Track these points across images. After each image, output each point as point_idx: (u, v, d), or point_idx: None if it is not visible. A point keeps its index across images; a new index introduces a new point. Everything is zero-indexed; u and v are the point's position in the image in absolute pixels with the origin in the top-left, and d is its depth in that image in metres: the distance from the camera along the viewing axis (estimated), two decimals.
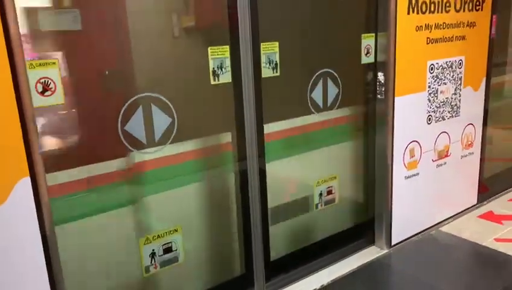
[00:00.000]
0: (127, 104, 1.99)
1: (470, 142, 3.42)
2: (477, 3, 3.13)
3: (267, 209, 2.53)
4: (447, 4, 2.93)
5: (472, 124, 3.39)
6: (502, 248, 2.96)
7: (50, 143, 1.85)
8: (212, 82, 2.21)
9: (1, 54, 1.51)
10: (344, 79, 2.76)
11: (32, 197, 1.64)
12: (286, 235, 2.80)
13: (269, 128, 2.49)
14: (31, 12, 1.71)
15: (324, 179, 2.85)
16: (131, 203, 2.14)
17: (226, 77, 2.24)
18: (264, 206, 2.51)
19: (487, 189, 3.72)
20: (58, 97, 1.74)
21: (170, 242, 2.24)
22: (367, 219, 3.08)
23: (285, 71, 2.44)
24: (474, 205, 3.60)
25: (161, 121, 2.09)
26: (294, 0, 2.54)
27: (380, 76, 2.81)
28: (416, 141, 3.00)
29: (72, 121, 1.89)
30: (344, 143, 2.99)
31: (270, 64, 2.38)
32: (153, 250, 2.19)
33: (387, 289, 2.69)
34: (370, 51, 2.81)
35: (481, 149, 3.53)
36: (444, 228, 3.28)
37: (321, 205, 2.86)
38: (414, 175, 3.03)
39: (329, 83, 2.71)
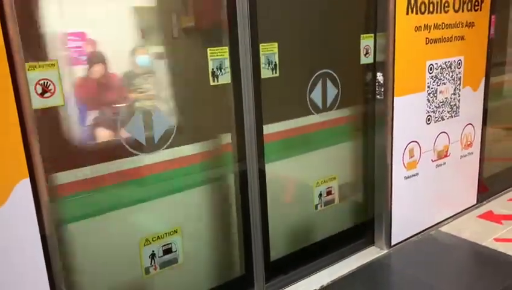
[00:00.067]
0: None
1: (469, 142, 3.42)
2: (476, 3, 3.13)
3: (266, 210, 2.53)
4: (446, 4, 2.93)
5: (471, 124, 3.39)
6: (501, 247, 2.96)
7: None
8: (212, 83, 2.21)
9: (0, 55, 1.52)
10: (343, 79, 2.76)
11: (32, 198, 1.65)
12: (286, 235, 2.80)
13: (268, 129, 2.49)
14: None
15: (324, 179, 2.85)
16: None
17: (225, 78, 2.24)
18: (264, 207, 2.51)
19: (487, 189, 3.72)
20: (57, 99, 1.74)
21: (170, 243, 2.24)
22: (367, 219, 3.08)
23: (285, 72, 2.44)
24: (474, 205, 3.60)
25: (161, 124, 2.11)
26: (293, 0, 2.54)
27: (379, 76, 2.81)
28: (416, 141, 3.00)
29: None
30: (343, 143, 3.00)
31: (269, 65, 2.38)
32: (153, 251, 2.19)
33: (387, 289, 2.69)
34: (369, 51, 2.81)
35: (480, 149, 3.54)
36: (444, 228, 3.29)
37: (321, 206, 2.86)
38: (414, 175, 3.03)
39: (329, 83, 2.71)
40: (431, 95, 3.00)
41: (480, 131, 3.49)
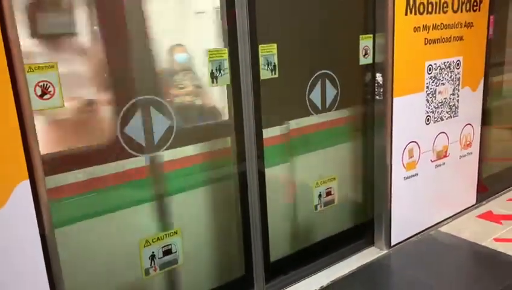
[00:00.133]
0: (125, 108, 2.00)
1: (468, 143, 3.43)
2: (475, 3, 3.14)
3: (266, 211, 2.53)
4: (445, 5, 2.93)
5: (470, 124, 3.40)
6: (501, 247, 2.97)
7: None
8: (211, 84, 2.22)
9: (0, 57, 1.52)
10: (342, 80, 2.76)
11: (32, 199, 1.65)
12: (286, 236, 2.80)
13: (268, 132, 2.50)
14: None
15: (323, 180, 2.85)
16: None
17: (224, 79, 2.24)
18: (264, 207, 2.51)
19: (486, 189, 3.73)
20: (57, 100, 1.74)
21: (170, 244, 2.25)
22: (366, 220, 3.08)
23: (284, 73, 2.45)
24: (473, 205, 3.61)
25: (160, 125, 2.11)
26: (292, 1, 2.55)
27: (378, 77, 2.81)
28: (415, 142, 3.00)
29: None
30: (343, 144, 3.00)
31: (268, 66, 2.38)
32: (153, 252, 2.19)
33: (387, 289, 2.69)
34: (368, 52, 2.81)
35: (480, 149, 3.54)
36: (443, 228, 3.29)
37: (320, 206, 2.86)
38: (413, 176, 3.04)
39: (328, 84, 2.71)
40: (430, 95, 3.00)
41: (479, 131, 3.49)
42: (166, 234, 2.23)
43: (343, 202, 3.01)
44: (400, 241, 3.07)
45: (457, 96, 3.21)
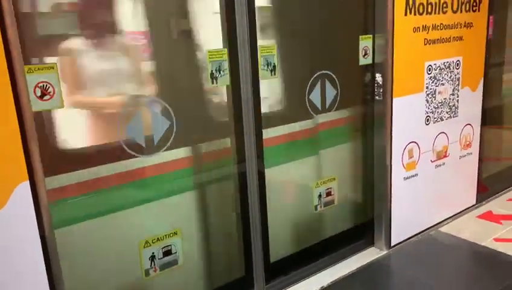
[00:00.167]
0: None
1: (468, 143, 3.43)
2: (474, 4, 3.14)
3: (266, 211, 2.53)
4: (444, 5, 2.93)
5: (470, 125, 3.40)
6: (501, 247, 2.97)
7: None
8: (210, 85, 2.22)
9: (0, 59, 1.52)
10: (342, 81, 2.77)
11: (32, 200, 1.65)
12: (286, 236, 2.80)
13: (268, 133, 2.50)
14: None
15: (323, 180, 2.85)
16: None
17: (224, 80, 2.25)
18: (264, 208, 2.51)
19: (486, 189, 3.73)
20: (57, 101, 1.74)
21: (170, 245, 2.25)
22: (366, 220, 3.08)
23: (284, 73, 2.45)
24: (473, 205, 3.61)
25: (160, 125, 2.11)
26: (291, 2, 2.55)
27: (378, 77, 2.81)
28: (415, 142, 3.00)
29: None
30: (343, 144, 3.00)
31: (268, 66, 2.38)
32: (153, 253, 2.19)
33: (387, 289, 2.69)
34: (368, 52, 2.81)
35: (479, 149, 3.54)
36: (443, 229, 3.29)
37: (320, 207, 2.86)
38: (413, 176, 3.04)
39: (328, 84, 2.71)
40: (430, 95, 3.00)
41: (479, 131, 3.49)
42: (166, 235, 2.23)
43: (343, 202, 3.01)
44: (399, 241, 3.07)
45: (457, 97, 3.21)
